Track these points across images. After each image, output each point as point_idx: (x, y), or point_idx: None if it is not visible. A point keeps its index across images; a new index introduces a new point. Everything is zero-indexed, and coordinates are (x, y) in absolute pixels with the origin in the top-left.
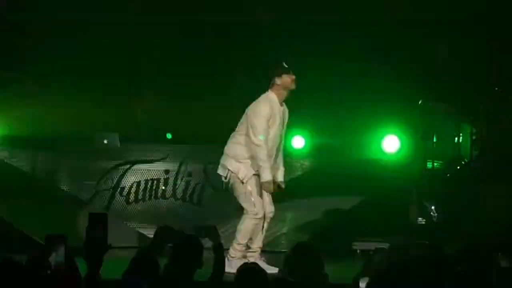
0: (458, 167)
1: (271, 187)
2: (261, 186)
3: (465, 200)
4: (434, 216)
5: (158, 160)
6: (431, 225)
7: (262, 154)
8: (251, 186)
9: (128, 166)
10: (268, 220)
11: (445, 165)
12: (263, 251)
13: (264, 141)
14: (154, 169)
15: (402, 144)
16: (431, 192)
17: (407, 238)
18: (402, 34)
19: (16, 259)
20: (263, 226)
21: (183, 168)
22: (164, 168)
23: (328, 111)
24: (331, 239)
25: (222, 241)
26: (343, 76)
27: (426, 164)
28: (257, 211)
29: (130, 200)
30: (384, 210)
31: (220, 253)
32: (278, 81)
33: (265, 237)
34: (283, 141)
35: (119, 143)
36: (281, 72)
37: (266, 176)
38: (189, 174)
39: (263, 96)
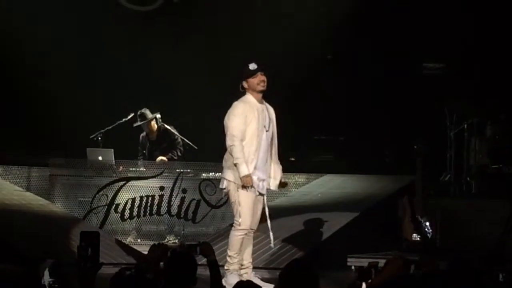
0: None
1: (249, 180)
2: (254, 200)
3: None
4: (429, 232)
5: (153, 177)
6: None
7: (236, 151)
8: (243, 196)
9: (123, 182)
10: (250, 237)
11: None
12: (257, 268)
13: (238, 140)
14: (149, 186)
15: None
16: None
17: (403, 254)
18: None
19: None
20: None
21: (178, 184)
22: (159, 185)
23: None
24: (326, 256)
25: (218, 257)
26: None
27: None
28: (241, 222)
29: (125, 217)
30: (378, 226)
31: (216, 269)
32: (245, 84)
33: (260, 253)
34: (274, 141)
35: (114, 160)
36: (245, 75)
37: (243, 171)
38: (184, 191)
39: (238, 100)
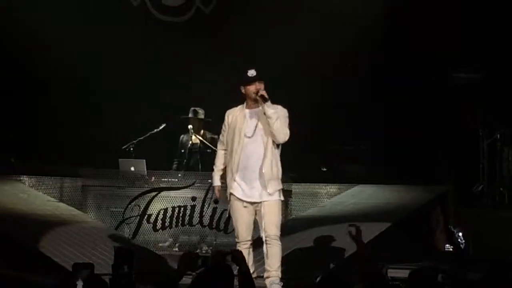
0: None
1: (217, 192)
2: (239, 210)
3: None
4: (462, 243)
5: (185, 187)
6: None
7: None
8: (231, 209)
9: (155, 193)
10: (269, 244)
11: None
12: (287, 278)
13: (218, 149)
14: (181, 196)
15: None
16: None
17: (436, 265)
18: None
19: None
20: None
21: (209, 194)
22: (191, 195)
23: None
24: (359, 266)
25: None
26: None
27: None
28: (236, 234)
29: (157, 227)
30: (411, 236)
31: (248, 279)
32: (242, 89)
33: (291, 263)
34: (261, 153)
35: (146, 170)
36: (243, 81)
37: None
38: (216, 201)
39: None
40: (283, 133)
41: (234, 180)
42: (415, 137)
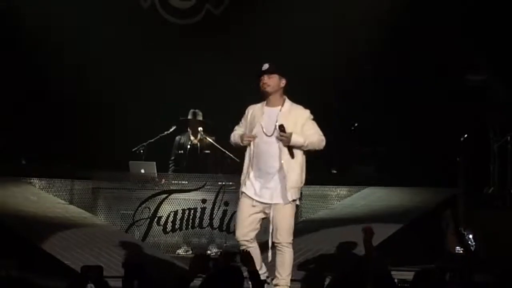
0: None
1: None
2: (246, 209)
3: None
4: (472, 245)
5: (195, 190)
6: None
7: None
8: (239, 204)
9: (165, 195)
10: (280, 251)
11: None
12: (298, 280)
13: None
14: (191, 198)
15: None
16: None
17: (443, 265)
18: None
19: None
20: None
21: (220, 197)
22: (201, 198)
23: None
24: (368, 268)
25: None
26: None
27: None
28: (234, 232)
29: (167, 229)
30: (421, 239)
31: (257, 280)
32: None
33: (303, 265)
34: (277, 154)
35: (156, 172)
36: (257, 74)
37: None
38: (226, 204)
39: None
40: (319, 145)
41: (248, 179)
42: (425, 139)
